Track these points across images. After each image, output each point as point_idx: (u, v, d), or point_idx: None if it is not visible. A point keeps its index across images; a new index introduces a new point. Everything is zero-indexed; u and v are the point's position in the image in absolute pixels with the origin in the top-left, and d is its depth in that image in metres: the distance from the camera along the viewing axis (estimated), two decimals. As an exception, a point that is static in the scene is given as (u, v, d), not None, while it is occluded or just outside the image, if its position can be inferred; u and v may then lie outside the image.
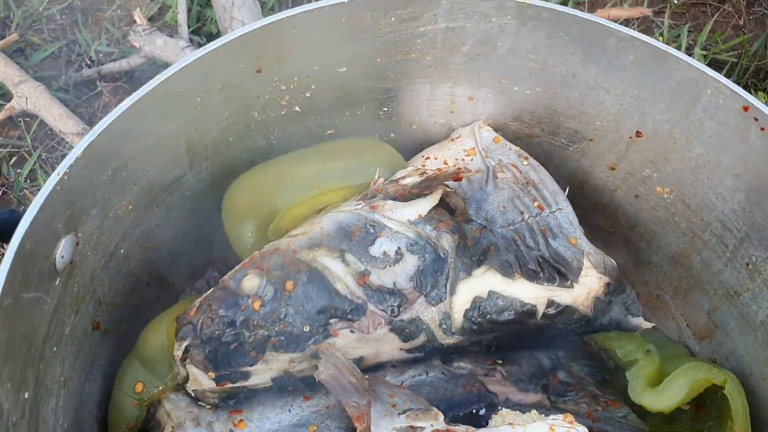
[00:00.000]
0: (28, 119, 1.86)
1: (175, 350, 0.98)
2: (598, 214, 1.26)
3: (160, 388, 1.03)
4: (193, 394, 1.02)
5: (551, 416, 0.96)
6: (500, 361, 1.11)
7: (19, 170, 1.80)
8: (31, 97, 1.78)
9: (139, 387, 1.03)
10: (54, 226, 0.83)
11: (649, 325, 1.15)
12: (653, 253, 1.23)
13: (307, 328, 0.99)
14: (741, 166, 1.01)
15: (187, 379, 1.00)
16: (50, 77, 1.92)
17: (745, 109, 0.95)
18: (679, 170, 1.10)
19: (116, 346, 1.09)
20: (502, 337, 1.10)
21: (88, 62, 1.97)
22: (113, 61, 1.95)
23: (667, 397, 1.09)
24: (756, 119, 0.95)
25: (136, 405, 1.03)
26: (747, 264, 1.08)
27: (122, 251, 1.04)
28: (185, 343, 0.95)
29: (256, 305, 0.96)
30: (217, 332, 0.95)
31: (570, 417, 0.96)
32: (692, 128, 1.03)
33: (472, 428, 0.96)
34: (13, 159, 1.84)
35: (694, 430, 1.13)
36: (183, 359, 0.98)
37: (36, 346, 0.84)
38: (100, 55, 1.99)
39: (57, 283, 0.87)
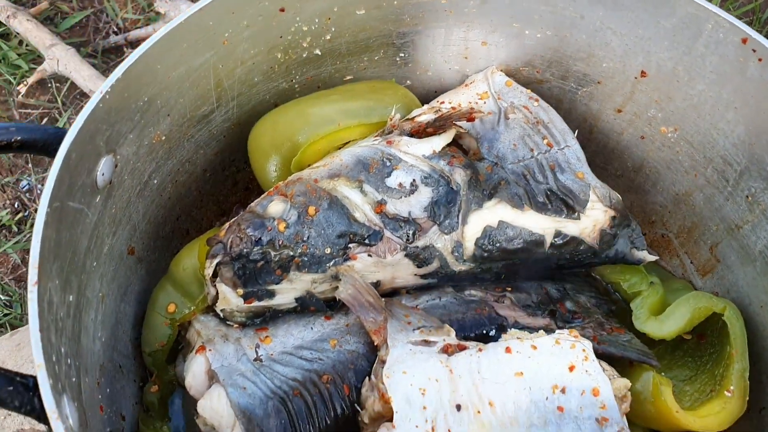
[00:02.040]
0: (58, 84, 1.94)
1: (206, 269, 1.05)
2: (606, 158, 1.32)
3: (191, 308, 1.10)
4: (221, 315, 1.08)
5: (557, 331, 1.02)
6: (509, 289, 1.16)
7: (51, 129, 1.88)
8: (62, 59, 1.86)
9: (171, 307, 1.10)
10: (96, 143, 0.90)
11: (653, 258, 1.21)
12: (658, 194, 1.29)
13: (328, 251, 1.05)
14: (740, 99, 1.06)
15: (216, 298, 1.07)
16: (78, 44, 2.00)
17: (744, 41, 1.00)
18: (682, 108, 1.15)
19: (149, 274, 1.16)
20: (512, 266, 1.16)
21: (115, 29, 2.05)
22: (139, 28, 2.03)
23: (669, 324, 1.15)
24: (754, 50, 1.00)
25: (168, 324, 1.10)
26: (747, 196, 1.13)
27: (155, 182, 1.11)
28: (215, 261, 1.02)
29: (281, 227, 1.03)
30: (245, 250, 1.02)
31: (575, 332, 1.02)
32: (694, 65, 1.09)
33: (482, 344, 1.03)
34: (45, 120, 1.92)
35: (696, 357, 1.18)
36: (213, 278, 1.05)
37: (78, 256, 0.91)
38: (127, 23, 2.06)
39: (98, 200, 0.94)
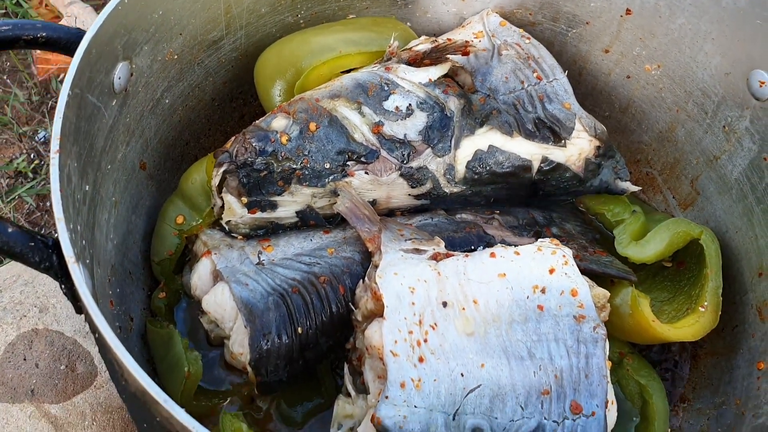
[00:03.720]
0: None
1: (212, 179, 1.12)
2: (595, 100, 1.39)
3: (199, 221, 1.18)
4: (227, 228, 1.16)
5: (539, 240, 1.09)
6: (498, 212, 1.23)
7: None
8: (80, 16, 1.94)
9: (179, 219, 1.18)
10: (113, 45, 0.97)
11: (636, 188, 1.27)
12: (644, 133, 1.35)
13: (327, 166, 1.13)
14: (716, 29, 1.13)
15: (222, 209, 1.14)
16: (95, 6, 2.09)
17: (719, -29, 1.07)
18: (665, 44, 1.22)
19: (159, 192, 1.23)
20: (501, 191, 1.23)
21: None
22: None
23: (649, 248, 1.21)
24: (728, -21, 1.07)
25: (176, 235, 1.17)
26: (723, 126, 1.19)
27: (167, 101, 1.18)
28: (222, 169, 1.09)
29: (284, 139, 1.10)
30: (249, 159, 1.09)
31: (556, 241, 1.09)
32: (675, -1, 1.16)
33: (469, 253, 1.09)
34: (61, 76, 2.00)
35: (675, 282, 1.25)
36: (219, 187, 1.12)
37: (95, 152, 0.99)
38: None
39: (114, 103, 1.02)
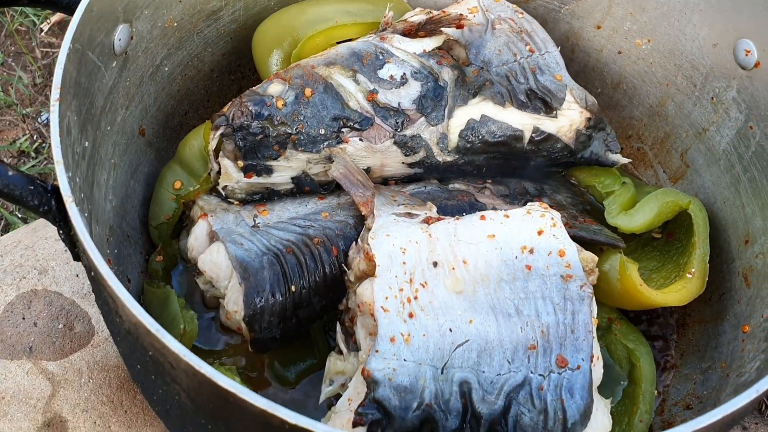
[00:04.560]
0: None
1: (210, 143, 1.14)
2: (587, 77, 1.41)
3: (196, 187, 1.20)
4: (223, 194, 1.18)
5: (528, 204, 1.11)
6: (489, 182, 1.25)
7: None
8: None
9: (177, 184, 1.20)
10: (114, 6, 1.00)
11: (626, 160, 1.29)
12: (635, 108, 1.38)
13: (322, 131, 1.15)
14: (704, 0, 1.15)
15: (219, 174, 1.16)
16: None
17: (706, -58, 1.10)
18: (654, 18, 1.25)
19: (158, 160, 1.26)
20: (493, 161, 1.25)
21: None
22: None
23: (638, 217, 1.23)
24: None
25: (174, 199, 1.20)
26: (711, 98, 1.22)
27: (166, 69, 1.21)
28: (219, 132, 1.12)
29: (280, 104, 1.13)
30: (246, 123, 1.11)
31: (545, 204, 1.11)
32: (664, -29, 1.18)
33: (459, 217, 1.12)
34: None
35: (664, 252, 1.27)
36: (216, 151, 1.14)
37: (95, 111, 1.01)
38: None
39: (114, 65, 1.04)
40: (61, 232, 0.85)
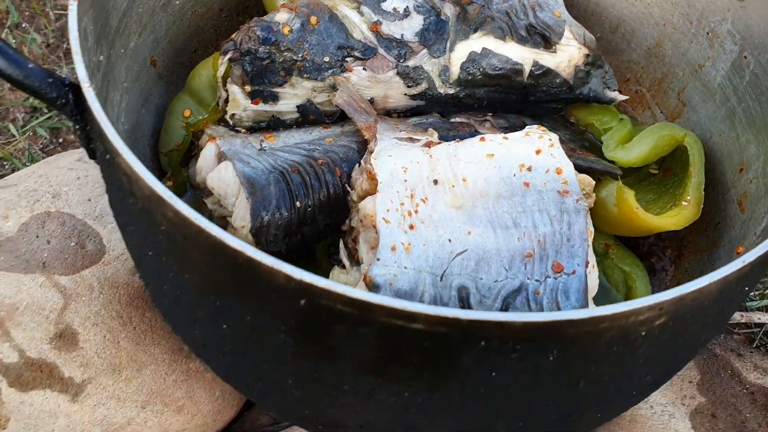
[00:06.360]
0: None
1: (218, 69, 1.18)
2: (587, 22, 1.43)
3: (205, 116, 1.24)
4: (231, 122, 1.22)
5: (527, 126, 1.15)
6: (490, 115, 1.29)
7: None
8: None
9: (187, 113, 1.24)
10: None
11: (624, 97, 1.33)
12: (633, 52, 1.41)
13: (326, 59, 1.19)
14: (700, -67, 1.19)
15: (227, 102, 1.20)
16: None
17: None
18: (652, -45, 1.28)
19: (168, 93, 1.29)
20: (493, 94, 1.28)
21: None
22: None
23: (635, 150, 1.27)
24: None
25: (183, 127, 1.24)
26: (707, 33, 1.25)
27: (177, 2, 1.25)
28: (227, 57, 1.15)
29: (286, 30, 1.17)
30: (253, 48, 1.15)
31: (543, 127, 1.14)
32: None
33: (459, 140, 1.15)
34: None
35: (661, 186, 1.30)
36: (224, 78, 1.18)
37: (109, 29, 1.05)
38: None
39: (126, -11, 1.09)
40: (77, 127, 0.88)
